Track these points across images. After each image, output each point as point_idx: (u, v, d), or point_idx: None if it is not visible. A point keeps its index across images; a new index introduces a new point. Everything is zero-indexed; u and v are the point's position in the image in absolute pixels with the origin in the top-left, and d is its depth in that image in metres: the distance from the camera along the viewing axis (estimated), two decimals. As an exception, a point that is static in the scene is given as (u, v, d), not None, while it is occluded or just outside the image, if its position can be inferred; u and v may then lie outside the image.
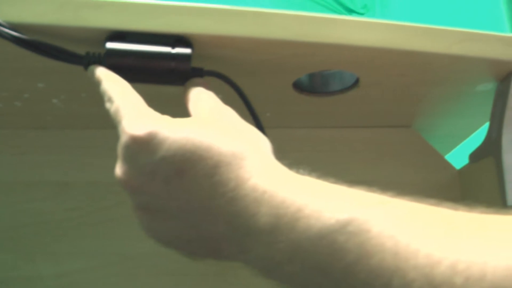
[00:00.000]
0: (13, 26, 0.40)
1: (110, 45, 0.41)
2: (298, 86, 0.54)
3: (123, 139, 0.34)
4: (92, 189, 0.61)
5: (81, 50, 0.42)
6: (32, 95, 0.52)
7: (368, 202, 0.30)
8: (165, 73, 0.42)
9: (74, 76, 0.43)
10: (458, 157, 0.71)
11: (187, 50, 0.42)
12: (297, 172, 0.33)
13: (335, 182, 0.33)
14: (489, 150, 0.55)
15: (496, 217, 0.27)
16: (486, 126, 0.57)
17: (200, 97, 0.40)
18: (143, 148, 0.33)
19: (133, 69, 0.41)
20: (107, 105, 0.38)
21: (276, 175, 0.32)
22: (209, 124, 0.35)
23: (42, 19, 0.41)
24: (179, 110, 0.40)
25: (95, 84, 0.40)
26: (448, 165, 0.66)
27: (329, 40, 0.44)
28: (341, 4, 2.54)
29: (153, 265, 0.61)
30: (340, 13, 2.56)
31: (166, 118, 0.35)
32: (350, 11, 2.57)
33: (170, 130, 0.33)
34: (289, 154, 0.54)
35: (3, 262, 0.61)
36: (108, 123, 0.38)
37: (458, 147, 0.74)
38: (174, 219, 0.34)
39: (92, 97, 0.40)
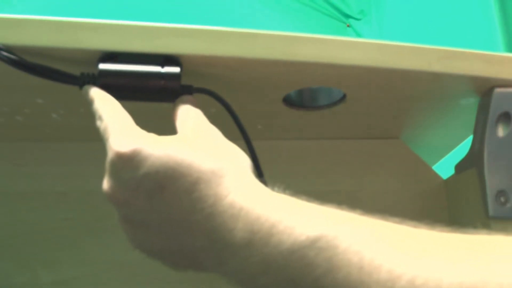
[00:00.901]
0: (10, 49, 0.42)
1: (102, 66, 0.43)
2: (287, 101, 0.56)
3: (109, 155, 0.36)
4: (88, 199, 0.63)
5: (75, 70, 0.44)
6: (32, 110, 0.54)
7: (337, 219, 0.32)
8: (155, 91, 0.44)
9: (72, 93, 0.45)
10: (446, 167, 0.73)
11: (176, 69, 0.44)
12: (273, 189, 0.35)
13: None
14: (473, 162, 0.57)
15: (455, 236, 0.30)
16: (471, 137, 0.59)
17: (187, 115, 0.42)
18: (127, 164, 0.35)
19: (125, 88, 0.43)
20: (98, 123, 0.40)
21: (252, 192, 0.34)
22: (191, 142, 0.37)
23: (40, 41, 0.43)
24: (172, 125, 0.42)
25: (89, 103, 0.42)
26: (434, 175, 0.68)
27: (313, 59, 0.46)
28: (339, 10, 2.57)
29: (148, 272, 0.63)
30: (337, 19, 2.58)
31: (151, 136, 0.37)
32: (347, 17, 2.59)
33: (154, 148, 0.35)
34: (279, 164, 0.57)
35: (2, 270, 0.63)
36: (104, 137, 0.40)
37: (446, 157, 0.76)
38: (157, 232, 0.36)
39: (89, 112, 0.42)
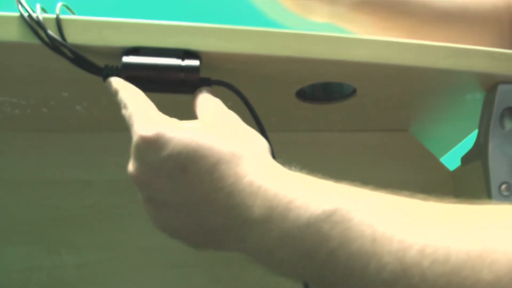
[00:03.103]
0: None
1: (126, 59, 0.46)
2: (300, 94, 0.59)
3: (134, 139, 0.39)
4: (110, 187, 0.66)
5: (99, 62, 0.47)
6: (57, 103, 0.57)
7: (351, 194, 0.34)
8: (176, 83, 0.46)
9: (96, 86, 0.47)
10: (453, 159, 0.75)
11: (196, 62, 0.46)
12: (290, 169, 0.38)
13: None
14: (478, 155, 0.59)
15: (462, 207, 0.32)
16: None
17: (207, 103, 0.44)
18: (151, 147, 0.37)
19: (147, 80, 0.46)
20: (123, 111, 0.42)
21: (270, 172, 0.36)
22: (212, 126, 0.39)
23: (69, 38, 0.45)
24: (192, 115, 0.45)
25: (113, 95, 0.45)
26: (442, 167, 0.70)
27: (326, 56, 0.49)
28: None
29: (166, 257, 0.66)
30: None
31: (173, 120, 0.39)
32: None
33: (176, 131, 0.37)
34: (292, 155, 0.59)
35: (28, 253, 0.66)
36: (126, 127, 0.42)
37: (453, 149, 0.78)
38: (178, 211, 0.38)
39: (112, 103, 0.45)
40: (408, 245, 0.29)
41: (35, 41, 0.45)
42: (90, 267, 0.66)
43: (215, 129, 0.39)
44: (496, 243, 0.28)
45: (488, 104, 0.57)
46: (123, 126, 0.42)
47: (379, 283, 0.29)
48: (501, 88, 0.56)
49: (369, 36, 0.51)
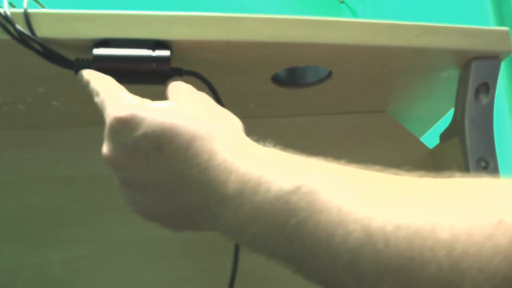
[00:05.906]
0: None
1: (96, 51, 0.46)
2: (276, 80, 0.59)
3: (108, 121, 0.39)
4: (93, 182, 0.66)
5: (71, 56, 0.47)
6: (34, 99, 0.57)
7: (320, 168, 0.34)
8: (147, 74, 0.47)
9: (72, 81, 0.47)
10: (433, 137, 0.75)
11: (166, 53, 0.47)
12: (264, 145, 0.38)
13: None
14: (455, 131, 0.60)
15: (430, 179, 0.32)
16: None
17: (178, 87, 0.44)
18: (126, 127, 0.38)
19: (119, 72, 0.46)
20: (95, 99, 0.43)
21: (244, 148, 0.37)
22: (185, 105, 0.39)
23: (40, 32, 0.45)
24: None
25: (85, 86, 0.45)
26: (421, 145, 0.71)
27: (298, 39, 0.49)
28: (331, -12, 2.56)
29: (151, 249, 0.66)
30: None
31: (146, 100, 0.39)
32: (340, -5, 2.59)
33: (150, 111, 0.38)
34: (272, 141, 0.59)
35: (13, 252, 0.66)
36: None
37: (433, 127, 0.79)
38: (154, 192, 0.39)
39: (89, 98, 0.45)
40: (373, 212, 0.30)
41: (5, 36, 0.45)
42: (76, 263, 0.66)
43: (188, 108, 0.39)
44: (457, 208, 0.28)
45: (463, 81, 0.58)
46: (102, 120, 0.42)
47: (344, 251, 0.30)
48: (475, 64, 0.56)
49: (341, 18, 0.51)
